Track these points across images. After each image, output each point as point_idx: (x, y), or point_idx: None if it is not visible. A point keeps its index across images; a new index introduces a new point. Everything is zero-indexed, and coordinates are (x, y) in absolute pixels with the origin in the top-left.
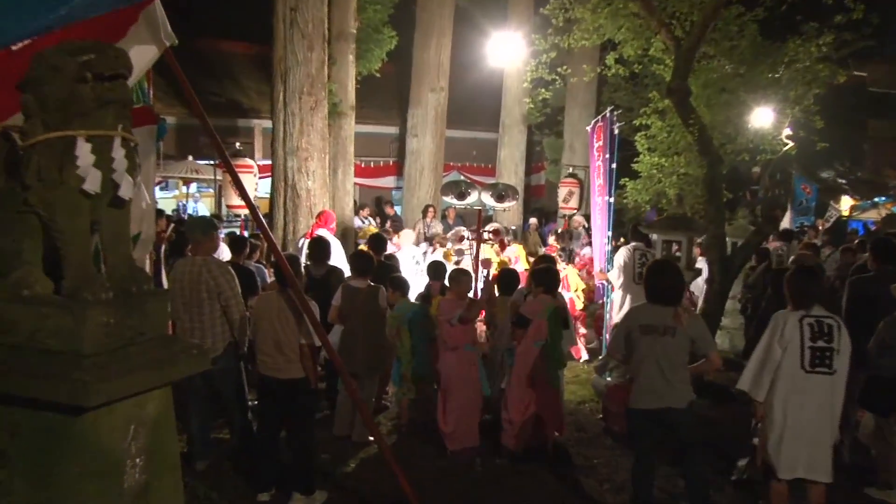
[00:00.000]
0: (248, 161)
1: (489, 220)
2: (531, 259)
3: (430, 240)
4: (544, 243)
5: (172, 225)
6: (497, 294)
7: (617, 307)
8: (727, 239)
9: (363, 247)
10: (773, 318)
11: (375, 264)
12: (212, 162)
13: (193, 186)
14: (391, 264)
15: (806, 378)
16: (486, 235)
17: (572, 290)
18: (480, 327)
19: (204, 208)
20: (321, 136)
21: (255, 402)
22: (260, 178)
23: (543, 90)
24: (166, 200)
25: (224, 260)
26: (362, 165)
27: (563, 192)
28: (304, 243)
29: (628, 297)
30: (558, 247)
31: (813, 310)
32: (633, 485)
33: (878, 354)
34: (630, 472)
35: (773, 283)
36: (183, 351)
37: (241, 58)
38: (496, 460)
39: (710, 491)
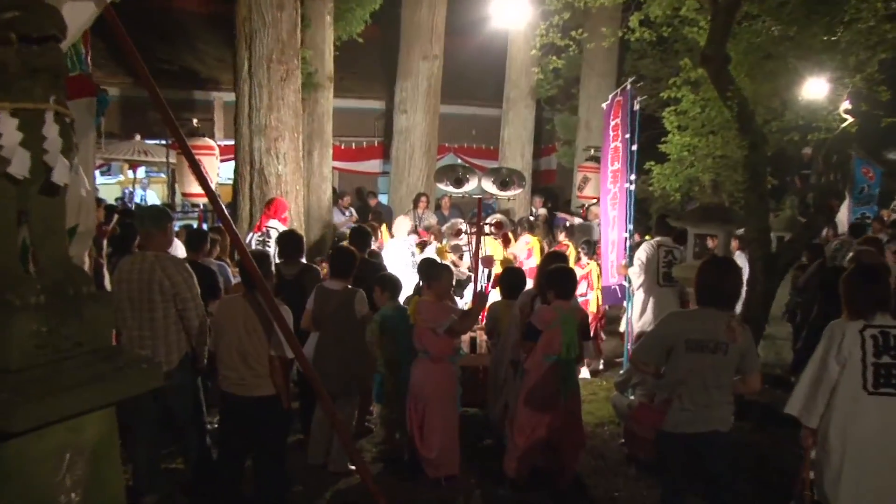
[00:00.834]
0: (208, 141)
1: (491, 210)
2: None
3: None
4: (555, 238)
5: (116, 216)
6: (500, 297)
7: (637, 313)
8: (772, 233)
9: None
10: (828, 330)
11: (357, 264)
12: (163, 142)
13: (141, 171)
14: (376, 263)
15: (869, 400)
16: (487, 229)
17: (596, 288)
18: (480, 335)
19: (154, 196)
20: (293, 111)
21: (216, 426)
22: (222, 160)
23: (555, 58)
24: (109, 187)
25: (181, 257)
26: (342, 147)
27: (578, 178)
28: (253, 238)
29: (651, 302)
30: (569, 244)
31: (876, 318)
32: None
33: None
34: None
35: (825, 286)
36: (129, 365)
37: (198, 17)
38: (498, 490)
39: None
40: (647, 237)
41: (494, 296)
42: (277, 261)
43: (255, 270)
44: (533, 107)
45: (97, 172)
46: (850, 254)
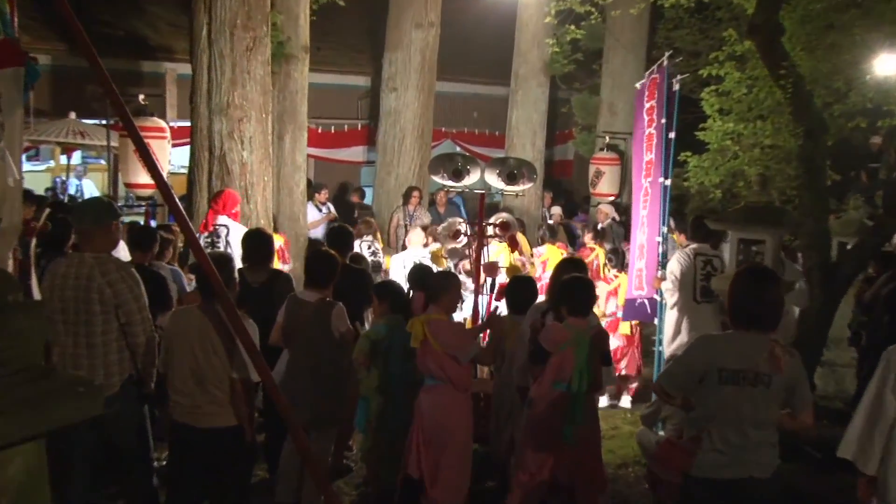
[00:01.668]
0: (159, 122)
1: (495, 208)
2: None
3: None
4: (572, 242)
5: (47, 210)
6: (506, 311)
7: (669, 335)
8: (832, 239)
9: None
10: (884, 356)
11: (338, 270)
12: (104, 122)
13: (77, 156)
14: (361, 269)
15: None
16: (490, 230)
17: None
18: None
19: (92, 187)
20: (261, 87)
21: (164, 463)
22: (174, 145)
23: (573, 27)
24: (37, 175)
25: (125, 260)
26: (319, 130)
27: (591, 171)
28: (200, 239)
29: (686, 321)
30: (596, 248)
31: None
32: None
33: None
34: None
35: (892, 303)
36: (62, 389)
37: None
38: None
39: None
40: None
41: (499, 309)
42: (240, 265)
43: (215, 276)
44: (546, 85)
45: (23, 157)
46: None
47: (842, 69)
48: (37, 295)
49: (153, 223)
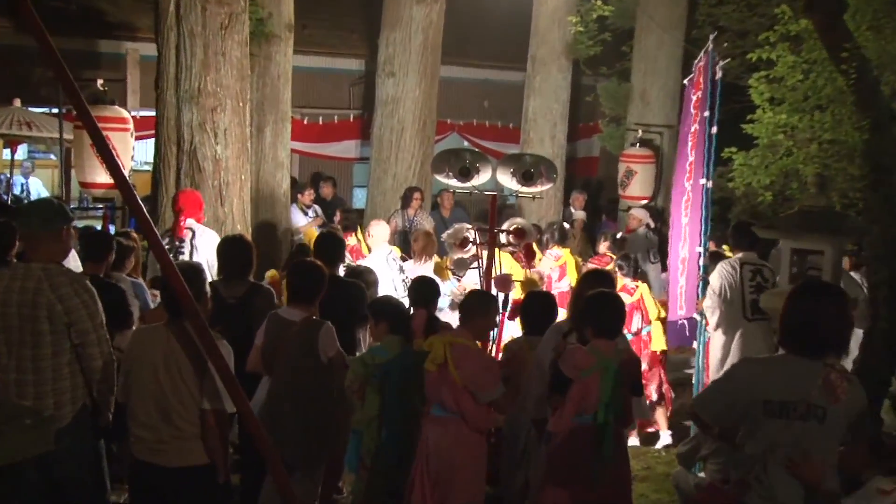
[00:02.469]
0: (120, 111)
1: (510, 212)
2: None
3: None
4: (595, 251)
5: None
6: (521, 332)
7: (717, 360)
8: None
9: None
10: None
11: (326, 283)
12: (55, 110)
13: (22, 150)
14: (353, 283)
15: None
16: (503, 238)
17: (653, 319)
18: None
19: (40, 186)
20: (238, 72)
21: None
22: (137, 137)
23: (600, 3)
24: None
25: (78, 271)
26: (305, 122)
27: (620, 171)
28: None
29: (736, 343)
30: (614, 258)
31: None
32: None
33: None
34: None
35: None
36: (5, 422)
37: None
38: None
39: None
40: (724, 247)
41: (513, 330)
42: (213, 278)
43: (184, 290)
44: (568, 70)
45: None
46: None
47: None
48: None
49: (111, 229)
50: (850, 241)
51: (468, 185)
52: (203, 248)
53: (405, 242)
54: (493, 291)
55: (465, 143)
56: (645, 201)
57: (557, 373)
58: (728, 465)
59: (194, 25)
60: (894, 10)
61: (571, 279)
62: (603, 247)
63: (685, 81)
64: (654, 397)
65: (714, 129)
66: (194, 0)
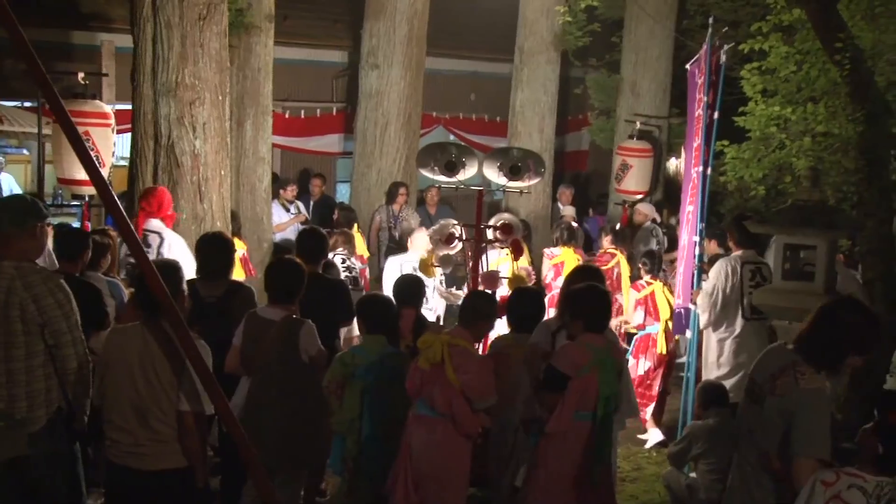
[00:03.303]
0: (101, 105)
1: (496, 208)
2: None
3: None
4: (588, 247)
5: None
6: (508, 330)
7: (712, 359)
8: None
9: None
10: None
11: (305, 281)
12: (26, 104)
13: None
14: (335, 280)
15: None
16: (490, 234)
17: (662, 319)
18: None
19: (12, 182)
20: (217, 64)
21: None
22: (119, 131)
23: None
24: None
25: (53, 270)
26: (287, 115)
27: (615, 164)
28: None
29: (733, 343)
30: (617, 254)
31: None
32: None
33: None
34: None
35: None
36: None
37: None
38: None
39: None
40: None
41: (500, 327)
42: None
43: (162, 289)
44: (557, 62)
45: None
46: None
47: None
48: None
49: (89, 227)
50: (844, 236)
51: (454, 179)
52: (171, 256)
53: (390, 239)
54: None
55: (452, 137)
56: (640, 195)
57: (551, 371)
58: (721, 465)
59: (171, 16)
60: (887, 1)
61: None
62: (605, 241)
63: (687, 66)
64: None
65: (716, 115)
66: None
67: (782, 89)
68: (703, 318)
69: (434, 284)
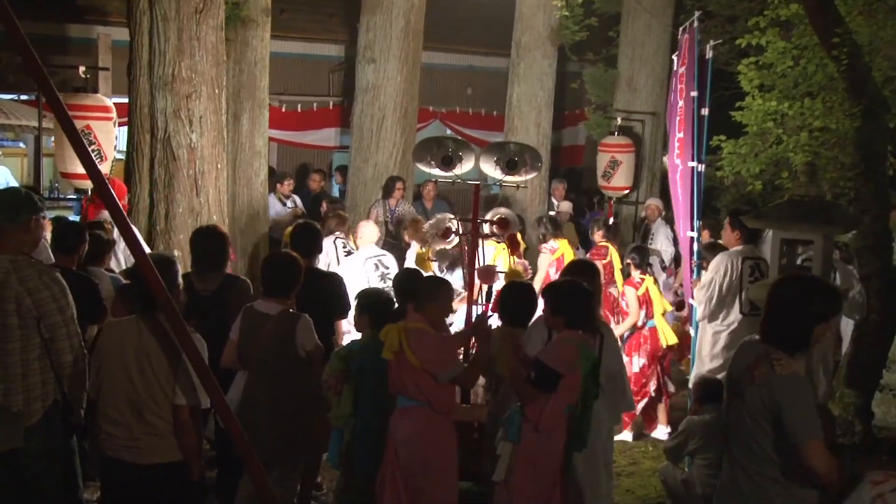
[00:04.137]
0: (103, 99)
1: (493, 202)
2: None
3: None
4: (585, 243)
5: None
6: (502, 323)
7: (706, 352)
8: (895, 239)
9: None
10: None
11: (302, 276)
12: (24, 97)
13: None
14: (331, 274)
15: None
16: (486, 228)
17: (657, 314)
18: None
19: (8, 175)
20: (213, 58)
21: None
22: (120, 125)
23: None
24: None
25: (49, 263)
26: (283, 109)
27: (602, 160)
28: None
29: (727, 337)
30: (609, 248)
31: None
32: None
33: None
34: None
35: None
36: None
37: None
38: None
39: None
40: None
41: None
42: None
43: (157, 282)
44: (554, 56)
45: None
46: None
47: None
48: None
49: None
50: (841, 231)
51: (451, 174)
52: (127, 259)
53: (387, 234)
54: (477, 283)
55: (448, 132)
56: (626, 191)
57: (541, 367)
58: (717, 459)
59: (168, 9)
60: None
61: None
62: (597, 236)
63: (673, 57)
64: (652, 394)
65: (705, 111)
66: None
67: (779, 84)
68: (700, 310)
69: None
